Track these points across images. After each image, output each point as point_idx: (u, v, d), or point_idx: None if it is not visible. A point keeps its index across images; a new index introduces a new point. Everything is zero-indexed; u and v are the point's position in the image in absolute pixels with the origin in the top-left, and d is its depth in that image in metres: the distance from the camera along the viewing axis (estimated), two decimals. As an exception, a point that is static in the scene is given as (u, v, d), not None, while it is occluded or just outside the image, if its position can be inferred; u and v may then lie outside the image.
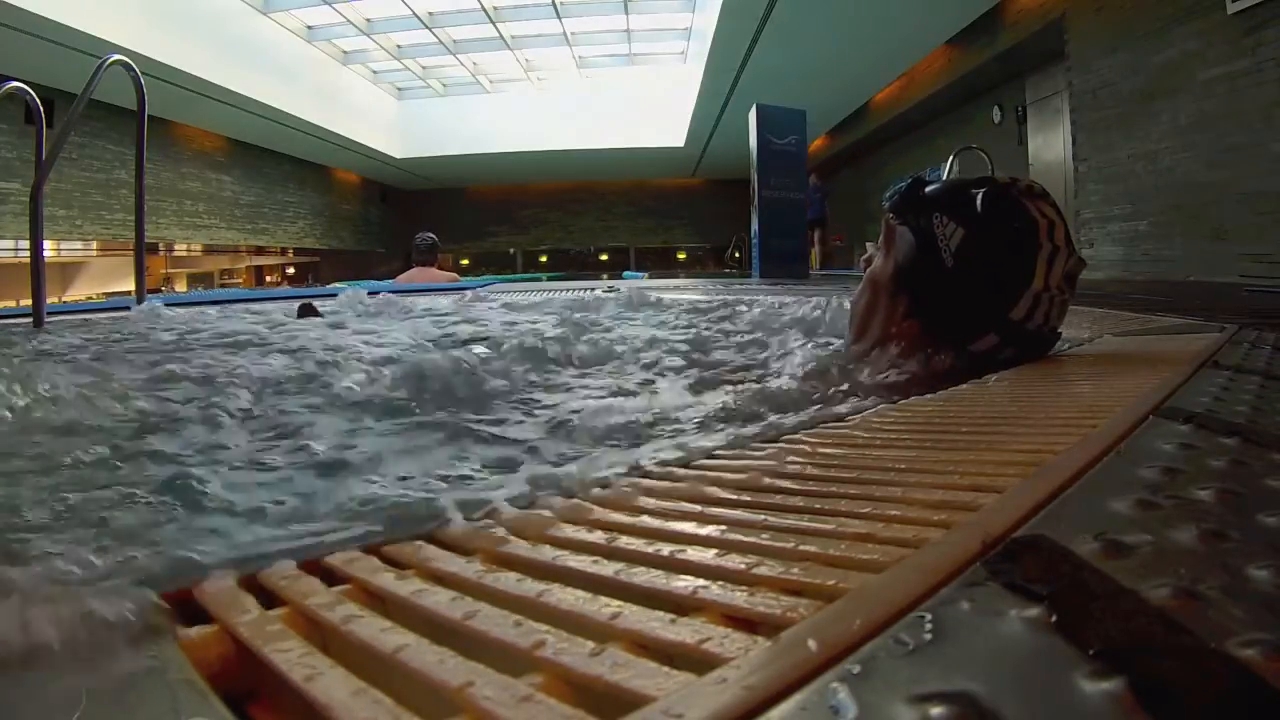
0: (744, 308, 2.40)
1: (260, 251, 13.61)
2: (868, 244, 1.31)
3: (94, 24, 7.13)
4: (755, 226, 7.14)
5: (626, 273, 12.49)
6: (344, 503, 0.55)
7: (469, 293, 3.87)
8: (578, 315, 2.34)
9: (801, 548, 0.37)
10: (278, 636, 0.31)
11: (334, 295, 3.29)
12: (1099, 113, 5.55)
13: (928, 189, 1.18)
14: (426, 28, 11.37)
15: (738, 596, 0.32)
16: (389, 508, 0.50)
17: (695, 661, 0.26)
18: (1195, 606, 0.26)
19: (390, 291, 3.75)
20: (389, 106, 14.30)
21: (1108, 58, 5.39)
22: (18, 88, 2.65)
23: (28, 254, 2.54)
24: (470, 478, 0.68)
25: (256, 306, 3.21)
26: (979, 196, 1.10)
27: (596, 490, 0.53)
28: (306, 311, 2.62)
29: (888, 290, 1.18)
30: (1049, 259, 1.07)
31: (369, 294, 3.20)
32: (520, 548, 0.41)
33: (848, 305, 1.32)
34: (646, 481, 0.55)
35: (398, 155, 14.59)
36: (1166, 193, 4.92)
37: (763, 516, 0.43)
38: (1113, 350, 1.20)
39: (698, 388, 1.15)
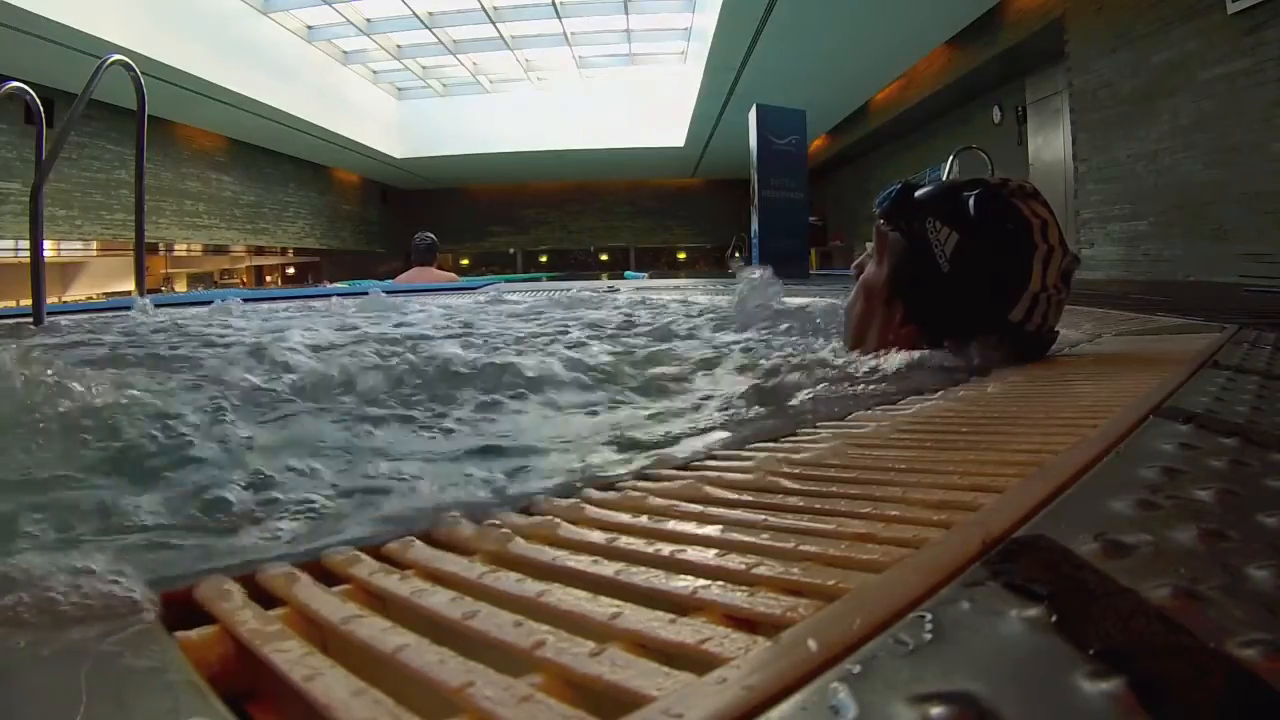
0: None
1: (260, 251, 13.60)
2: (867, 244, 1.31)
3: (94, 24, 7.12)
4: (755, 226, 7.15)
5: (628, 273, 12.47)
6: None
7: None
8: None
9: (801, 548, 0.37)
10: (278, 636, 0.31)
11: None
12: (1099, 113, 5.55)
13: (918, 193, 1.17)
14: (426, 28, 11.36)
15: (738, 596, 0.31)
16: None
17: (695, 661, 0.26)
18: (1195, 606, 0.26)
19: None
20: (389, 106, 14.28)
21: (1108, 58, 5.39)
22: (18, 88, 2.65)
23: (28, 254, 2.54)
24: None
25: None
26: (971, 199, 1.09)
27: (596, 490, 0.53)
28: None
29: (883, 296, 1.18)
30: (1044, 259, 1.06)
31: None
32: (520, 548, 0.41)
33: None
34: (646, 482, 0.55)
35: (398, 155, 14.58)
36: (1166, 193, 4.91)
37: (763, 516, 0.43)
38: (1113, 350, 1.20)
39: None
